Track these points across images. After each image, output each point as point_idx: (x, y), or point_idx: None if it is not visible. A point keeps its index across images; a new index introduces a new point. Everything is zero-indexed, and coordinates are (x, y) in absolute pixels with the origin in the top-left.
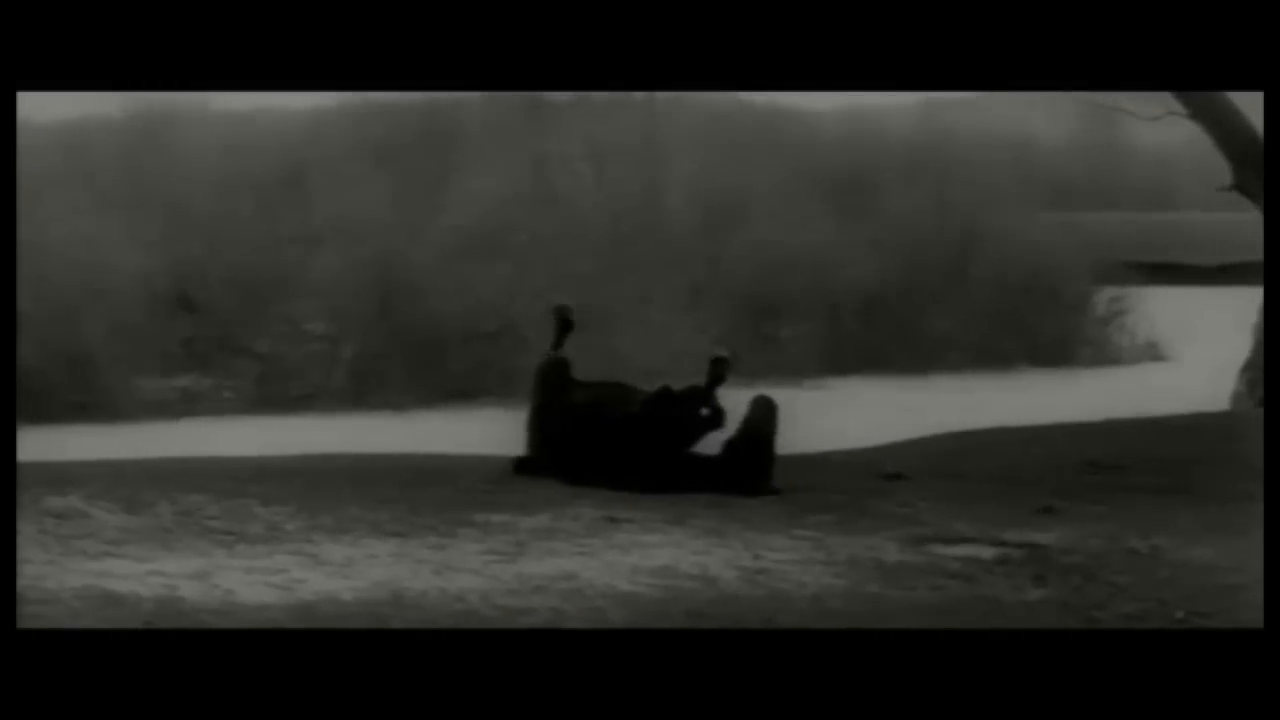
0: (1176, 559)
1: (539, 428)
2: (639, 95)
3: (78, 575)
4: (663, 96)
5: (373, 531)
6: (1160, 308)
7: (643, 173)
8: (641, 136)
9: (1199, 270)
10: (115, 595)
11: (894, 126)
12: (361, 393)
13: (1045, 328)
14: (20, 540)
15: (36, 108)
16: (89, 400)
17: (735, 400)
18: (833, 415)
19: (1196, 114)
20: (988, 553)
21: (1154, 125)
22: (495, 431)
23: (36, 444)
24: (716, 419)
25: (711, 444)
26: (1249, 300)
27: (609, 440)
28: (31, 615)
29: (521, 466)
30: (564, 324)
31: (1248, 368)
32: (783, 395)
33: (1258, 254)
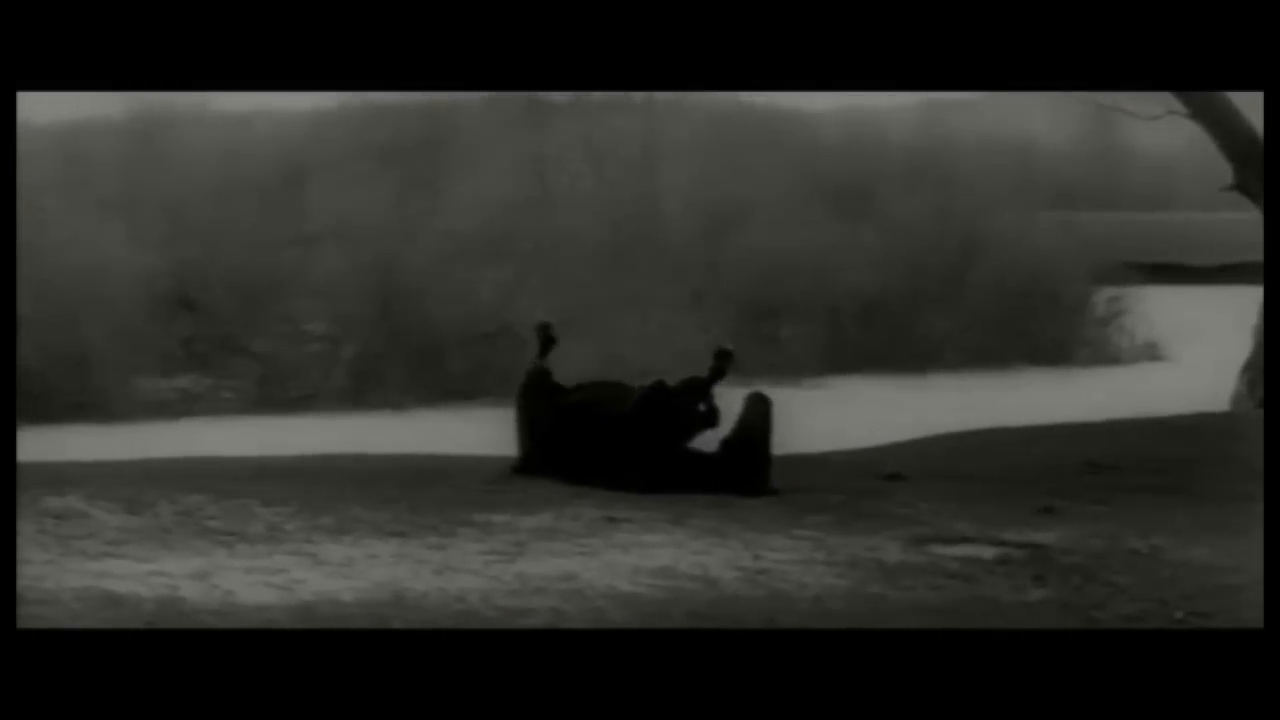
0: (1176, 559)
1: (529, 434)
2: (638, 96)
3: (78, 575)
4: (662, 98)
5: (373, 532)
6: (1160, 308)
7: (642, 174)
8: (641, 138)
9: (1199, 270)
10: (115, 595)
11: (894, 128)
12: (361, 393)
13: (1045, 328)
14: (20, 540)
15: (36, 109)
16: (89, 401)
17: (730, 399)
18: (833, 415)
19: (1197, 114)
20: (988, 553)
21: (1154, 126)
22: (495, 432)
23: (36, 444)
24: (712, 417)
25: (708, 443)
26: (1249, 300)
27: (604, 438)
28: (31, 615)
29: (521, 467)
30: (546, 340)
31: (1248, 368)
32: (783, 395)
33: (1258, 254)
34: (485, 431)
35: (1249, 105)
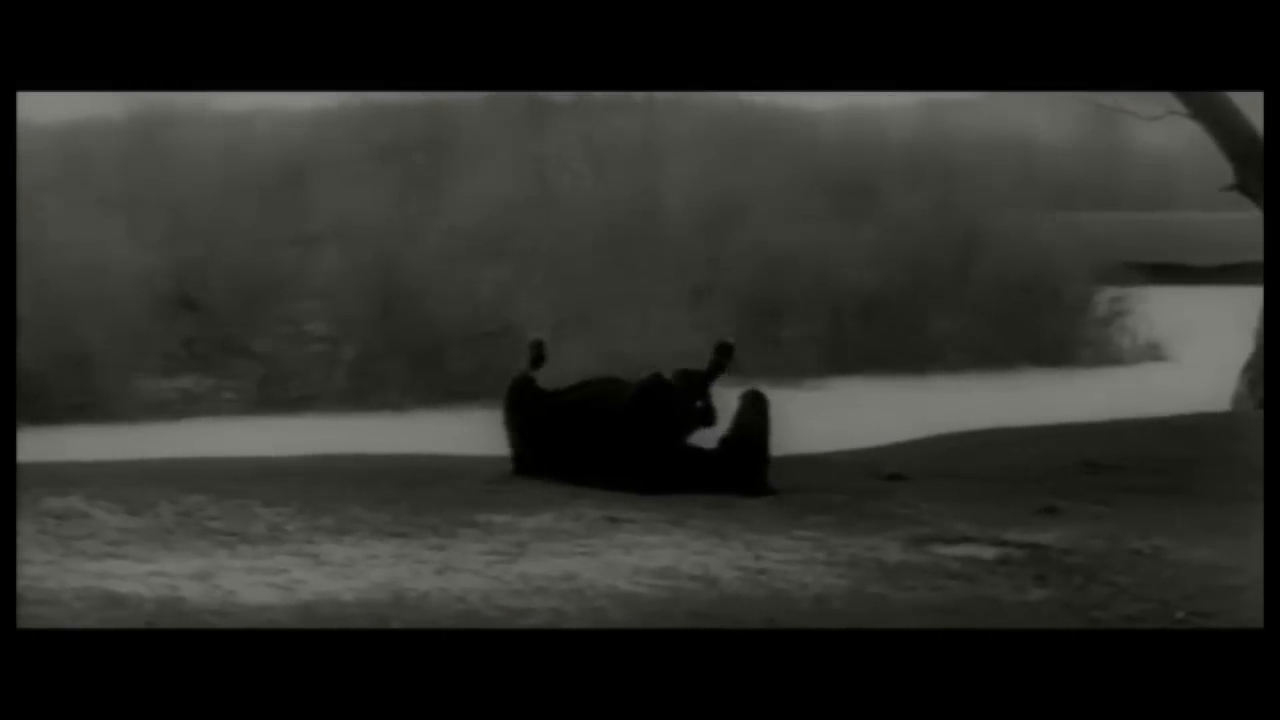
0: (1177, 559)
1: (519, 437)
2: (639, 96)
3: (78, 576)
4: (662, 97)
5: (374, 532)
6: (1160, 308)
7: (643, 173)
8: (641, 137)
9: (1199, 270)
10: (116, 596)
11: (895, 128)
12: (362, 393)
13: (1046, 328)
14: (20, 540)
15: (36, 109)
16: (89, 401)
17: (726, 398)
18: (833, 416)
19: (1197, 114)
20: (989, 553)
21: (1155, 125)
22: (496, 432)
23: (37, 444)
24: (709, 415)
25: (706, 442)
26: (1249, 300)
27: (601, 432)
28: (31, 615)
29: (518, 468)
30: (537, 357)
31: (1248, 368)
32: (784, 396)
33: (1258, 254)
34: (486, 432)
35: (1249, 105)
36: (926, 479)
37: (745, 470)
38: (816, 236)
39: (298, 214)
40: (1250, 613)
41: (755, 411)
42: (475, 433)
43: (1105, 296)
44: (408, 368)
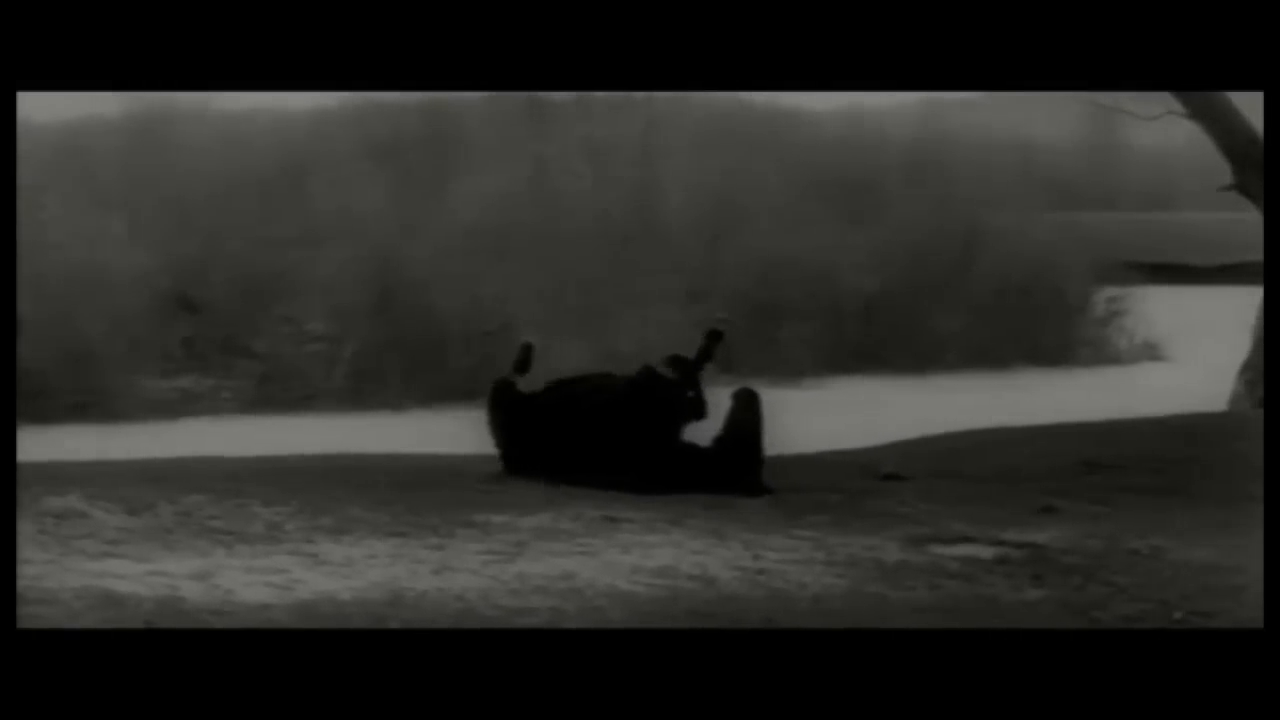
0: (1177, 559)
1: (503, 438)
2: (639, 95)
3: (78, 575)
4: (662, 97)
5: (373, 532)
6: (1160, 308)
7: (643, 173)
8: (641, 137)
9: (1199, 270)
10: (115, 595)
11: (894, 127)
12: (361, 393)
13: (1045, 328)
14: (20, 540)
15: (36, 108)
16: (89, 400)
17: (720, 397)
18: (832, 415)
19: (1196, 114)
20: (987, 553)
21: (1154, 125)
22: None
23: (36, 444)
24: (699, 408)
25: (700, 440)
26: (1249, 300)
27: (593, 425)
28: (31, 615)
29: (508, 468)
30: (522, 362)
31: (1247, 368)
32: (782, 396)
33: (1258, 254)
34: (485, 431)
35: (1249, 105)
36: (925, 478)
37: (740, 469)
38: (816, 236)
39: (298, 213)
40: (1250, 613)
41: (747, 409)
42: (474, 432)
43: (1104, 296)
44: (407, 367)
